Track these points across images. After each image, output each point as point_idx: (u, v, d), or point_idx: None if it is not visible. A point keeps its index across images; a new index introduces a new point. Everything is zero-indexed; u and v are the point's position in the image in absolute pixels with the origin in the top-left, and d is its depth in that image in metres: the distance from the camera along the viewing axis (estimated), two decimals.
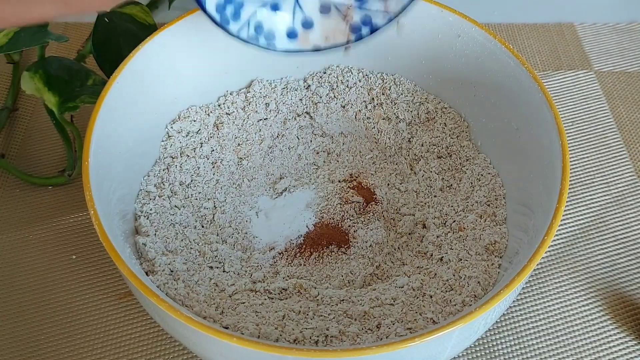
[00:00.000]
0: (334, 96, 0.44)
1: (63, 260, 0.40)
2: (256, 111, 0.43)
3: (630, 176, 0.46)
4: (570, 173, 0.46)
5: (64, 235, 0.42)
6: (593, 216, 0.44)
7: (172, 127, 0.41)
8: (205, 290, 0.33)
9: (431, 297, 0.33)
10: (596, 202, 0.45)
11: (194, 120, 0.41)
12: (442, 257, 0.36)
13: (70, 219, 0.42)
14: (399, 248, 0.39)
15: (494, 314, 0.30)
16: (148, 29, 0.45)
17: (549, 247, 0.42)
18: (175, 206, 0.38)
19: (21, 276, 0.40)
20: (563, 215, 0.44)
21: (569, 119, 0.50)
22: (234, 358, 0.29)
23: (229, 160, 0.41)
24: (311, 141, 0.44)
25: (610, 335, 0.38)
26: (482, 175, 0.40)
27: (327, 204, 0.40)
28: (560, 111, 0.50)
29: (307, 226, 0.39)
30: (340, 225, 0.39)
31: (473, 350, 0.37)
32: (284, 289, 0.35)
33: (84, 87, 0.42)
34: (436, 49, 0.42)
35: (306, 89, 0.45)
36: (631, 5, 0.60)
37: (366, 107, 0.44)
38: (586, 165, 0.47)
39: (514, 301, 0.39)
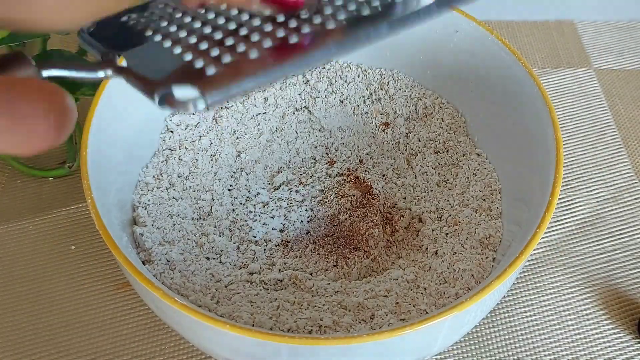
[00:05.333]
0: (333, 91, 0.45)
1: (62, 251, 0.41)
2: (255, 105, 0.44)
3: (627, 173, 0.46)
4: (568, 169, 0.46)
5: (64, 226, 0.42)
6: (590, 212, 0.44)
7: (171, 120, 0.41)
8: (201, 280, 0.34)
9: (425, 289, 0.34)
10: (593, 198, 0.45)
11: (193, 113, 0.42)
12: (437, 250, 0.36)
13: (70, 210, 0.43)
14: (394, 242, 0.39)
15: (485, 306, 0.31)
16: None
17: (545, 242, 0.42)
18: (173, 198, 0.38)
19: (20, 266, 0.40)
20: (559, 211, 0.44)
21: (568, 116, 0.50)
22: (228, 346, 0.29)
23: (227, 153, 0.42)
24: (309, 135, 0.44)
25: (605, 331, 0.38)
26: (478, 170, 0.40)
27: (324, 198, 0.40)
28: (559, 108, 0.51)
29: (303, 219, 0.39)
30: (336, 219, 0.39)
31: (468, 344, 0.38)
32: (279, 280, 0.35)
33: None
34: (434, 44, 0.42)
35: (305, 83, 0.45)
36: (631, 3, 0.60)
37: (364, 102, 0.45)
38: (584, 162, 0.47)
39: (508, 295, 0.40)
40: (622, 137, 0.49)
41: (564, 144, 0.39)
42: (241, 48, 0.19)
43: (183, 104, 0.17)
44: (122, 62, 0.20)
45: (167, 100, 0.17)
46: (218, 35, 0.20)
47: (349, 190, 0.40)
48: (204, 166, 0.41)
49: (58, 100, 0.17)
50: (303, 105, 0.45)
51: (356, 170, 0.42)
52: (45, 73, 0.19)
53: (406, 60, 0.44)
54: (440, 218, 0.39)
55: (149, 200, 0.37)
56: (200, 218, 0.38)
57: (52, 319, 0.38)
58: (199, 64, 0.19)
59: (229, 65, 0.18)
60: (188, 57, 0.19)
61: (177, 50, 0.20)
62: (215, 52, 0.19)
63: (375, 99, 0.45)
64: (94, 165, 0.32)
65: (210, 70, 0.18)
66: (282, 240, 0.38)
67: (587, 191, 0.45)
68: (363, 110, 0.44)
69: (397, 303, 0.32)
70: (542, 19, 0.58)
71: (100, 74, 0.20)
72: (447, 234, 0.37)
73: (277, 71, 0.18)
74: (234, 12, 0.21)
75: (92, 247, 0.41)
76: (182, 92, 0.17)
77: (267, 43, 0.19)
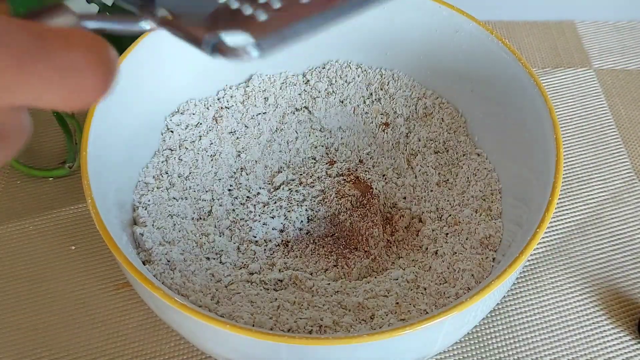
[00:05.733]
0: (333, 91, 0.45)
1: (62, 251, 0.41)
2: (255, 105, 0.44)
3: (627, 173, 0.46)
4: (568, 169, 0.46)
5: (64, 226, 0.42)
6: (590, 212, 0.44)
7: (171, 120, 0.41)
8: (202, 280, 0.34)
9: (425, 289, 0.34)
10: (593, 198, 0.45)
11: (194, 114, 0.42)
12: (437, 250, 0.36)
13: (70, 210, 0.43)
14: (394, 241, 0.39)
15: (485, 306, 0.31)
16: None
17: (545, 242, 0.42)
18: (173, 198, 0.38)
19: (21, 266, 0.40)
20: (559, 211, 0.44)
21: (568, 117, 0.50)
22: (228, 346, 0.29)
23: (228, 153, 0.42)
24: (309, 135, 0.44)
25: (605, 331, 0.38)
26: (478, 170, 0.40)
27: (324, 198, 0.40)
28: (559, 108, 0.51)
29: (303, 219, 0.39)
30: (336, 219, 0.39)
31: (468, 344, 0.38)
32: (279, 280, 0.35)
33: None
34: (434, 44, 0.42)
35: (305, 83, 0.45)
36: (632, 3, 0.60)
37: (364, 102, 0.45)
38: (584, 162, 0.47)
39: (508, 295, 0.40)
40: (622, 137, 0.49)
41: (564, 144, 0.39)
42: None
43: (236, 51, 0.16)
44: (164, 13, 0.19)
45: (219, 49, 0.16)
46: None
47: (349, 190, 0.40)
48: (204, 166, 0.41)
49: (104, 52, 0.16)
50: (303, 105, 0.45)
51: (356, 170, 0.42)
52: (87, 24, 0.18)
53: (406, 60, 0.44)
54: (440, 218, 0.39)
55: (149, 200, 0.37)
56: (200, 218, 0.38)
57: (52, 319, 0.38)
58: (248, 10, 0.17)
59: (280, 10, 0.17)
60: (235, 4, 0.18)
61: None
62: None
63: (375, 99, 0.45)
64: (94, 165, 0.32)
65: (262, 16, 0.17)
66: (282, 240, 0.38)
67: (587, 191, 0.45)
68: (363, 110, 0.44)
69: (397, 303, 0.32)
70: (542, 19, 0.58)
71: (143, 25, 0.19)
72: (447, 234, 0.37)
73: (331, 13, 0.17)
74: None
75: (92, 247, 0.41)
76: (234, 38, 0.16)
77: None
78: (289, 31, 0.17)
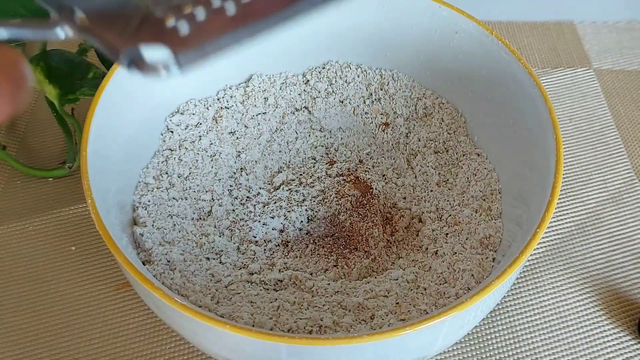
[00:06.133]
0: (333, 91, 0.45)
1: (62, 251, 0.41)
2: (255, 105, 0.44)
3: (627, 174, 0.46)
4: (568, 170, 0.46)
5: (64, 226, 0.42)
6: (589, 213, 0.44)
7: (171, 120, 0.41)
8: (202, 280, 0.34)
9: (425, 289, 0.34)
10: (593, 198, 0.45)
11: (193, 114, 0.42)
12: (437, 250, 0.36)
13: (70, 210, 0.43)
14: (394, 242, 0.39)
15: (485, 306, 0.31)
16: None
17: (544, 242, 0.42)
18: (173, 198, 0.38)
19: (20, 267, 0.40)
20: (559, 211, 0.44)
21: (568, 117, 0.50)
22: (228, 346, 0.29)
23: (227, 153, 0.42)
24: (309, 136, 0.44)
25: (605, 331, 0.38)
26: (478, 170, 0.40)
27: (324, 198, 0.40)
28: (558, 109, 0.51)
29: (303, 219, 0.39)
30: (336, 219, 0.39)
31: (467, 344, 0.38)
32: (279, 281, 0.35)
33: (85, 80, 0.43)
34: (434, 44, 0.42)
35: (305, 83, 0.45)
36: (631, 3, 0.60)
37: (364, 102, 0.45)
38: (583, 162, 0.47)
39: (508, 295, 0.40)
40: (622, 137, 0.49)
41: (564, 144, 0.39)
42: (217, 3, 0.17)
43: (154, 67, 0.16)
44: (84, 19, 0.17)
45: (136, 64, 0.16)
46: None
47: (349, 190, 0.40)
48: (204, 166, 0.41)
49: (11, 70, 0.15)
50: (303, 106, 0.45)
51: (356, 170, 0.42)
52: None
53: (406, 60, 0.44)
54: (440, 218, 0.39)
55: (149, 201, 0.37)
56: (200, 218, 0.38)
57: (53, 320, 0.38)
58: (172, 22, 0.17)
59: (203, 22, 0.16)
60: (159, 12, 0.17)
61: (145, 5, 0.17)
62: (188, 9, 0.17)
63: (375, 99, 0.45)
64: (94, 165, 0.32)
65: (184, 29, 0.16)
66: (282, 241, 0.38)
67: (586, 191, 0.45)
68: (363, 110, 0.45)
69: (397, 303, 0.32)
70: (542, 19, 0.58)
71: (59, 34, 0.17)
72: (447, 234, 0.37)
73: (255, 26, 0.16)
74: None
75: (92, 248, 0.41)
76: (153, 53, 0.16)
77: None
78: (210, 46, 0.16)
